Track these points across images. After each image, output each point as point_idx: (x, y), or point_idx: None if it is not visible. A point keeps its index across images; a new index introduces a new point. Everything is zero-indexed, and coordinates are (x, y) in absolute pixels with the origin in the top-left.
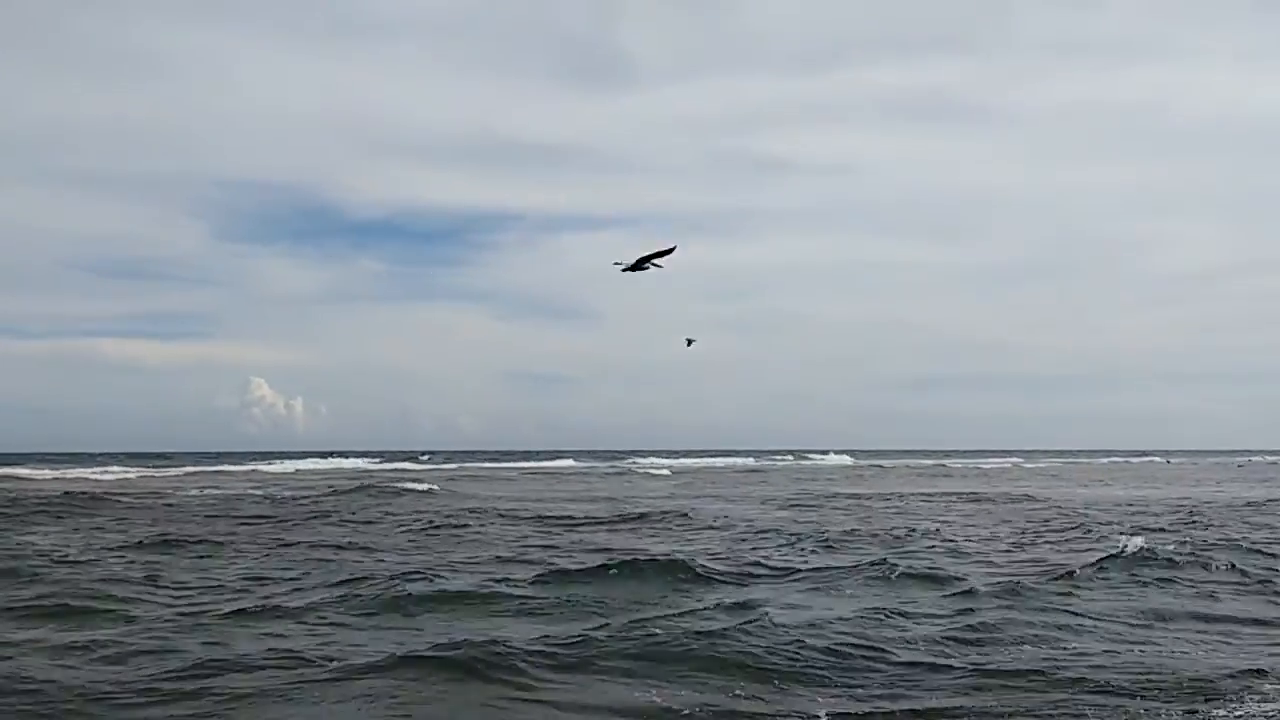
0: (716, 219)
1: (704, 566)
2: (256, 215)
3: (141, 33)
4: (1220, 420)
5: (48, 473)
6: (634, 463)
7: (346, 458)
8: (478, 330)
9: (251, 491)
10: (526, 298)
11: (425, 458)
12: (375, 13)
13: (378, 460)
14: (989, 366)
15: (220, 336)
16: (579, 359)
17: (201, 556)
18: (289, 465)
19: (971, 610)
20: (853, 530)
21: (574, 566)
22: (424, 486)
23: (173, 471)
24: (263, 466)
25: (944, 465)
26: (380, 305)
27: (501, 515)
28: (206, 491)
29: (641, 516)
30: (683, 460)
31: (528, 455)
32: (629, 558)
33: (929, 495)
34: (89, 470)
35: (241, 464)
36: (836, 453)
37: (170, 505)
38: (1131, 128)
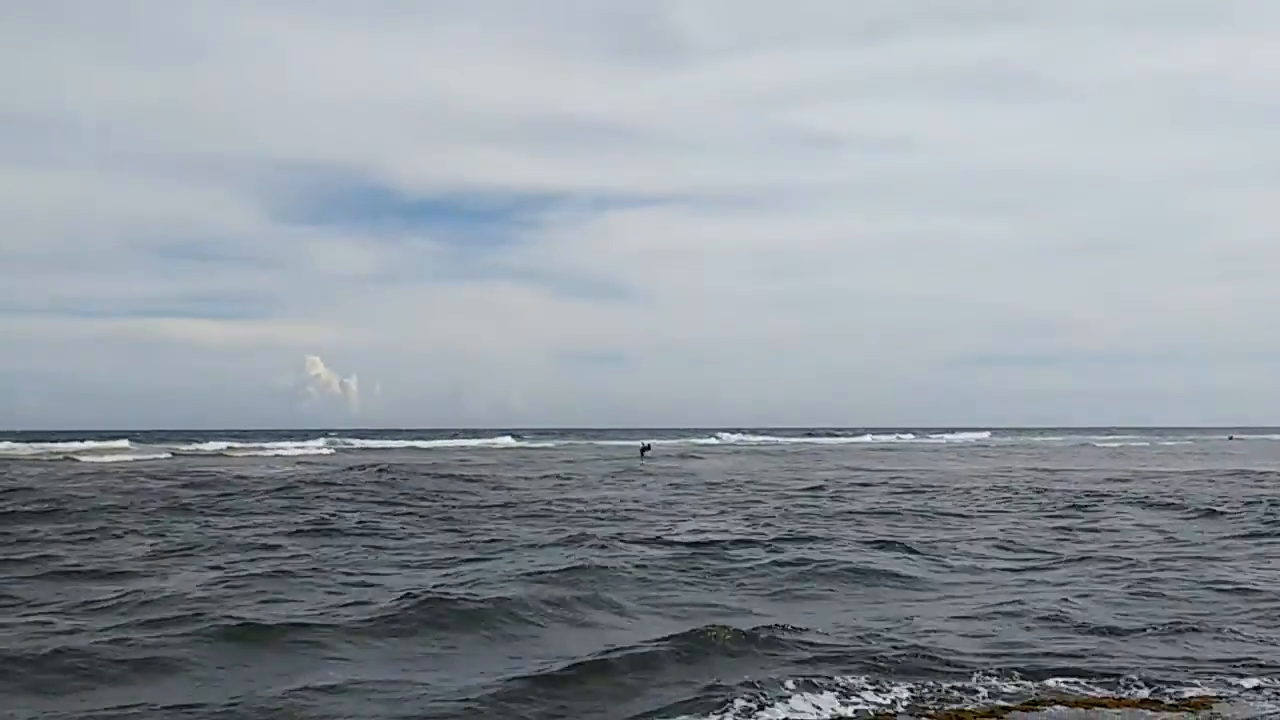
0: (769, 195)
1: None
2: (312, 196)
3: (199, 18)
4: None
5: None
6: (741, 440)
7: (502, 436)
8: (529, 309)
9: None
10: (578, 276)
11: (526, 438)
12: None
13: (520, 439)
14: (1053, 342)
15: (277, 316)
16: (630, 337)
17: None
18: (451, 443)
19: None
20: None
21: None
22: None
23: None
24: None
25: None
26: (432, 284)
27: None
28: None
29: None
30: (810, 440)
31: (601, 434)
32: None
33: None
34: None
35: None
36: (970, 430)
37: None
38: (1195, 98)
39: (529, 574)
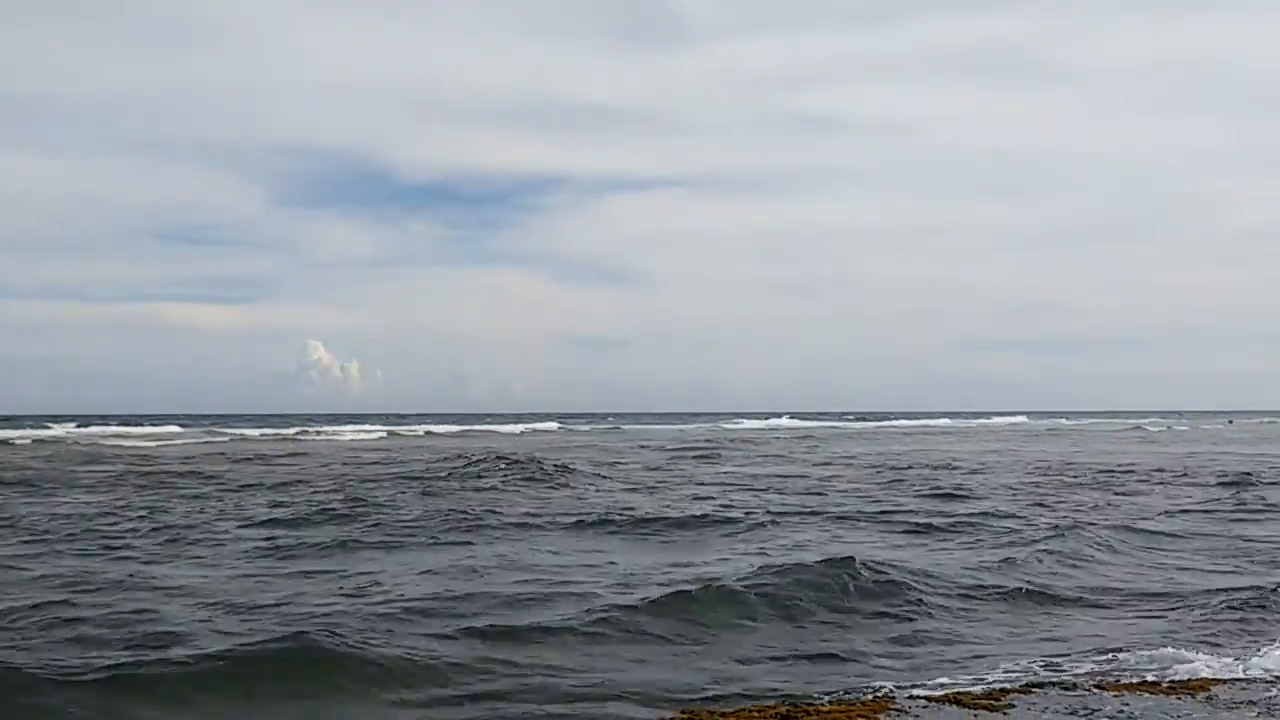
0: (768, 179)
1: None
2: (312, 180)
3: (197, 1)
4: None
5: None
6: (780, 425)
7: (545, 421)
8: (530, 293)
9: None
10: (579, 260)
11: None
12: None
13: (561, 424)
14: (1052, 328)
15: (277, 300)
16: (633, 322)
17: None
18: (513, 428)
19: None
20: None
21: None
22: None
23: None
24: (493, 429)
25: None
26: (432, 268)
27: None
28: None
29: None
30: (852, 424)
31: (625, 418)
32: None
33: None
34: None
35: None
36: (1002, 414)
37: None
38: (1197, 82)
39: None
